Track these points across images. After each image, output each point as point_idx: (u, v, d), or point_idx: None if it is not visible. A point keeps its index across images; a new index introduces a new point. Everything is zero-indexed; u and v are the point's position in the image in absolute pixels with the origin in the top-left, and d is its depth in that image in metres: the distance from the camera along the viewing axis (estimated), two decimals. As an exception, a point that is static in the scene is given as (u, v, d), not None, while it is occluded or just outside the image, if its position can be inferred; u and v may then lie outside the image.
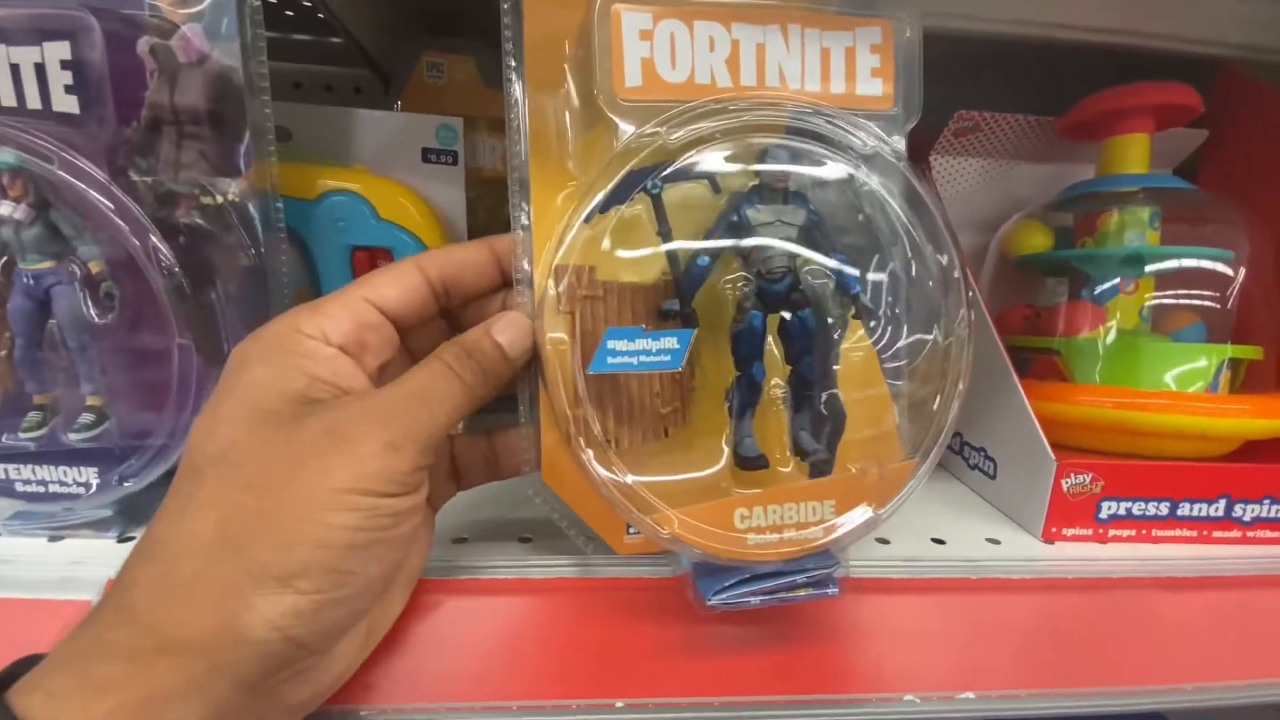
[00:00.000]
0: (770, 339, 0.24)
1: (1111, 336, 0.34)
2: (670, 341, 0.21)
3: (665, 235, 0.23)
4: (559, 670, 0.24)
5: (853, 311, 0.24)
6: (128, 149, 0.27)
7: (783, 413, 0.25)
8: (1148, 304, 0.35)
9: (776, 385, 0.25)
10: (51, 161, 0.25)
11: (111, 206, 0.25)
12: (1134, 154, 0.36)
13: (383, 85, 0.48)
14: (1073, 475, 0.30)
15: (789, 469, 0.25)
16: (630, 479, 0.22)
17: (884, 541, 0.29)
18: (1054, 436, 0.31)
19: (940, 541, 0.30)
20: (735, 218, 0.23)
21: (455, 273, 0.23)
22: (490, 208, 0.42)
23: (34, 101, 0.25)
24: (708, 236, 0.23)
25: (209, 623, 0.16)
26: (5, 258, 0.27)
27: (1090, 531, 0.30)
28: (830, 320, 0.24)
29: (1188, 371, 0.32)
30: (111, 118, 0.26)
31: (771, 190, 0.23)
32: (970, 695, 0.25)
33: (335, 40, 0.50)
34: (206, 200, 0.28)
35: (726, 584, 0.22)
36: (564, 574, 0.25)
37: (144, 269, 0.25)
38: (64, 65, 0.24)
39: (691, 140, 0.22)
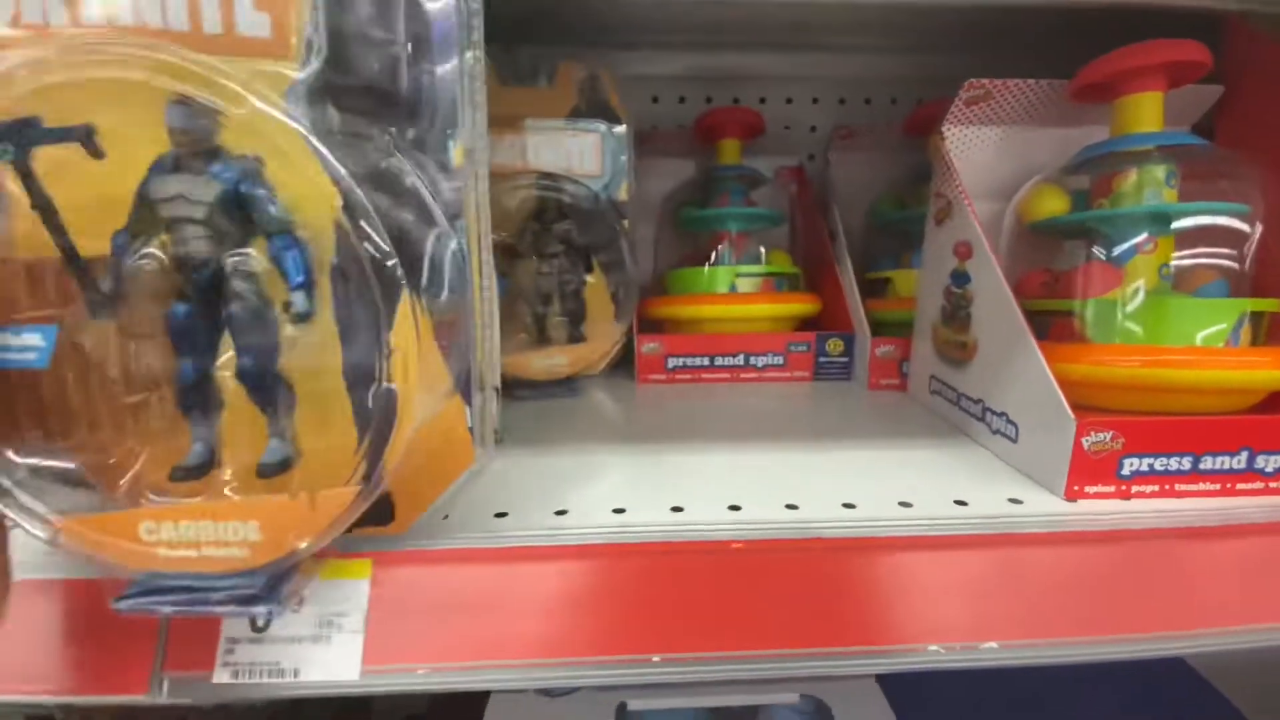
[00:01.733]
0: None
1: (1131, 296, 0.34)
2: (32, 338, 0.19)
3: (43, 208, 0.19)
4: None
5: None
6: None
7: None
8: (1168, 263, 0.36)
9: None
10: None
11: None
12: (1147, 113, 0.36)
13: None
14: (1093, 433, 0.30)
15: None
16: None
17: (905, 505, 0.30)
18: (1075, 398, 0.32)
19: (962, 503, 0.31)
20: (142, 190, 0.19)
21: None
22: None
23: None
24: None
25: None
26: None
27: (1113, 489, 0.31)
28: (273, 313, 0.20)
29: (1207, 326, 0.32)
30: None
31: (188, 156, 0.19)
32: (994, 645, 0.26)
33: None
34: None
35: (132, 592, 0.21)
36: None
37: None
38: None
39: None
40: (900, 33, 0.60)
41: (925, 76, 0.61)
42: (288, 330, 0.20)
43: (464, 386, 0.26)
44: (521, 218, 0.47)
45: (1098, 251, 0.36)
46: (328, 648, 0.24)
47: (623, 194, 0.49)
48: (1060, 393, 0.31)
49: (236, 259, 0.20)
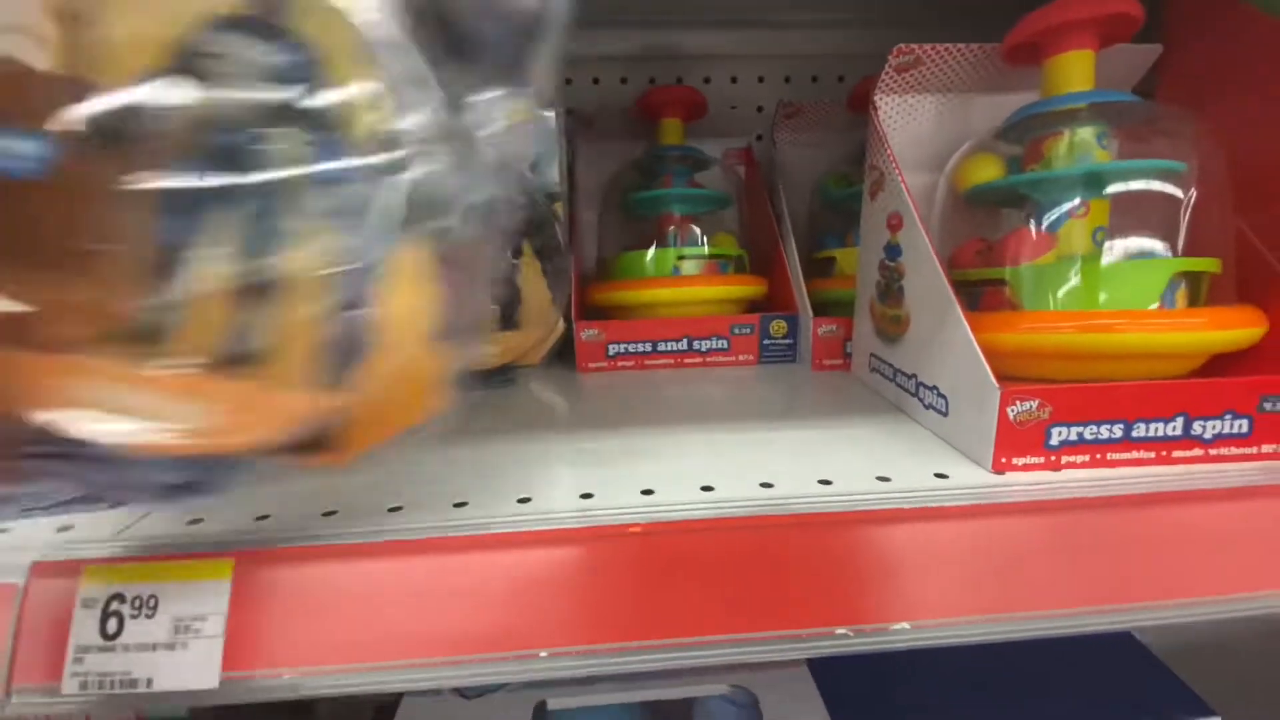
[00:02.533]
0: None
1: (1060, 261, 0.33)
2: (31, 146, 0.15)
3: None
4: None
5: None
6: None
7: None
8: (1103, 226, 0.34)
9: None
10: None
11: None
12: (1077, 72, 0.35)
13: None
14: (1018, 402, 0.29)
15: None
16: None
17: (825, 483, 0.29)
18: (1009, 369, 0.31)
19: (885, 479, 0.29)
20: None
21: None
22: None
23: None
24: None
25: None
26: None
27: (1042, 459, 0.30)
28: None
29: (1137, 289, 0.31)
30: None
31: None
32: (905, 625, 0.24)
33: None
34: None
35: None
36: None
37: None
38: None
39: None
40: (845, 7, 0.59)
41: (873, 53, 0.59)
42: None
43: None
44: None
45: (1030, 217, 0.35)
46: (184, 654, 0.22)
47: (553, 176, 0.47)
48: (985, 362, 0.30)
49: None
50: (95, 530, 0.26)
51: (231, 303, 0.17)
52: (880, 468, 0.30)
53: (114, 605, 0.23)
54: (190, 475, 0.19)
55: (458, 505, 0.28)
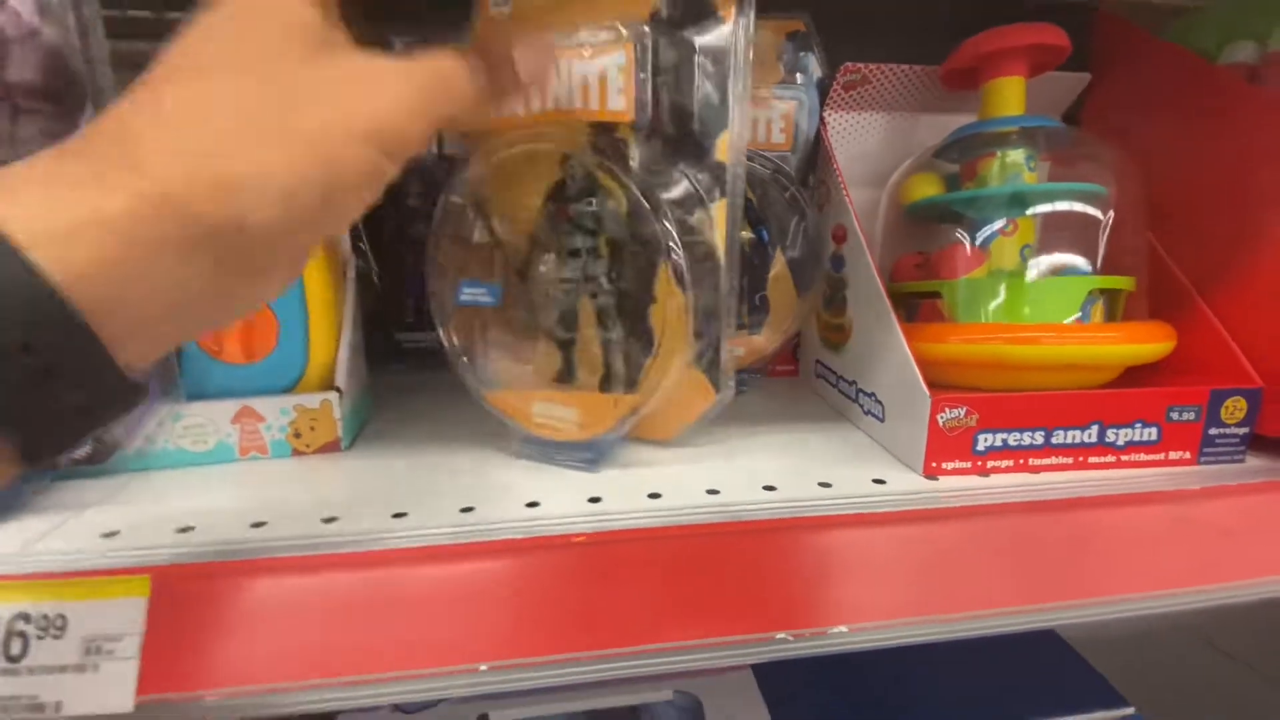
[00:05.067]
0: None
1: (988, 276, 0.35)
2: (483, 292, 0.33)
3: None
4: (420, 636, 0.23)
5: None
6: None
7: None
8: (1030, 244, 0.36)
9: None
10: None
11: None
12: (1010, 96, 0.37)
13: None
14: (947, 410, 0.30)
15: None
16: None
17: (770, 489, 0.30)
18: (941, 378, 0.32)
19: (826, 484, 0.30)
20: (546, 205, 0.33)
21: None
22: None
23: None
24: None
25: (196, 169, 0.16)
26: None
27: (969, 464, 0.31)
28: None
29: (1057, 304, 0.33)
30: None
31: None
32: (843, 629, 0.25)
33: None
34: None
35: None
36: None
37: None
38: None
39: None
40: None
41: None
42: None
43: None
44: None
45: (962, 234, 0.37)
46: (95, 676, 0.21)
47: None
48: (917, 370, 0.31)
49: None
50: (2, 545, 0.24)
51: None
52: (822, 473, 0.31)
53: (18, 625, 0.21)
54: (591, 453, 0.32)
55: (397, 516, 0.27)
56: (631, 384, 0.31)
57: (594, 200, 0.31)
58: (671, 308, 0.30)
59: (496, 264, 0.33)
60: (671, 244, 0.29)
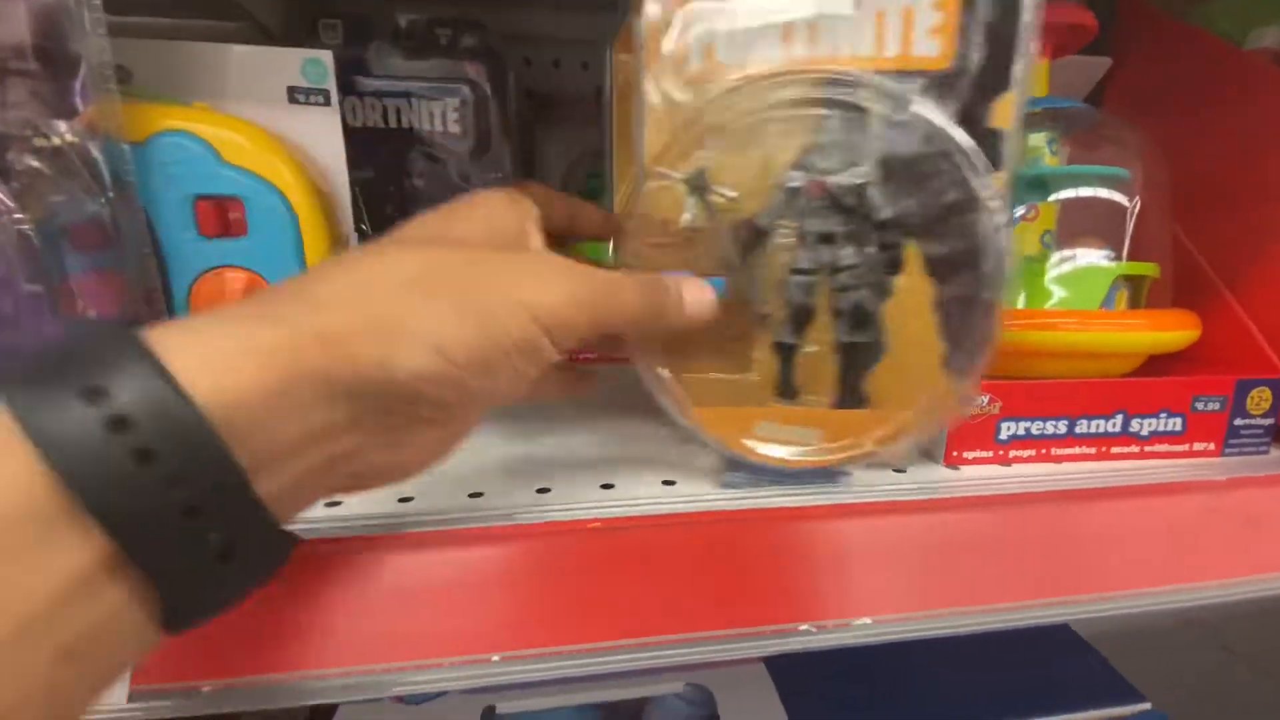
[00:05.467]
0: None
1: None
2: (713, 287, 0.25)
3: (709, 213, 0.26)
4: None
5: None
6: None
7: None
8: (1051, 230, 0.35)
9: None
10: None
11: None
12: (1033, 77, 0.36)
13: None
14: (971, 398, 0.29)
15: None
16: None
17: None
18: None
19: (845, 474, 0.29)
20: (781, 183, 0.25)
21: (571, 212, 0.26)
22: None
23: None
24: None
25: (373, 347, 0.16)
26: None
27: (991, 454, 0.30)
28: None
29: (1082, 291, 0.32)
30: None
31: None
32: (867, 620, 0.24)
33: (233, 25, 0.47)
34: (40, 142, 0.26)
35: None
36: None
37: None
38: None
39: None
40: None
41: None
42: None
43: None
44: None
45: (986, 218, 0.36)
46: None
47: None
48: (941, 357, 0.30)
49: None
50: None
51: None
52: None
53: None
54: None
55: (402, 500, 0.26)
56: (876, 397, 0.26)
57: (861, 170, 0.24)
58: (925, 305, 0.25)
59: (702, 252, 0.26)
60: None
